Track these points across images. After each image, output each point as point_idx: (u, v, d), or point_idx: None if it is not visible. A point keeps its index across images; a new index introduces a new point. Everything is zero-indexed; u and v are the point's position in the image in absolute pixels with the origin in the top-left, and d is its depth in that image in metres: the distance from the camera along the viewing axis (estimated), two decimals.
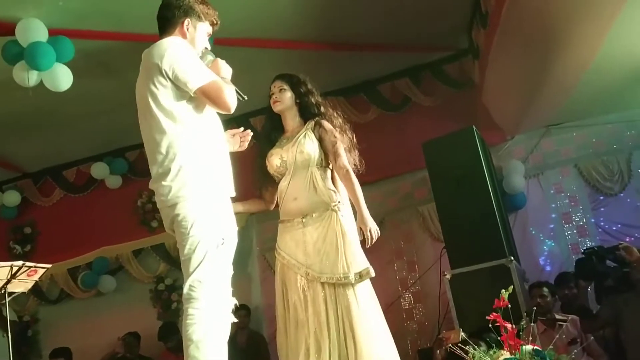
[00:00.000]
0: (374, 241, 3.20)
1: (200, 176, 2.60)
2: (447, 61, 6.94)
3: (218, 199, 2.64)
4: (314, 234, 3.26)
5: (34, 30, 4.71)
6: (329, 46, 6.15)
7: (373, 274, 3.19)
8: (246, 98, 2.94)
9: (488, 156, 5.68)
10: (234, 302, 2.71)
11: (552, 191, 6.57)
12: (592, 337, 4.50)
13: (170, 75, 2.61)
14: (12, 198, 7.84)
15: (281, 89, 3.49)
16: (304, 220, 3.30)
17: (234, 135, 3.21)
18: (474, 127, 5.34)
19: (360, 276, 3.14)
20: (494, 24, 5.08)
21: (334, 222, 3.25)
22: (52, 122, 6.63)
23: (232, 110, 2.63)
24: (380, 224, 6.68)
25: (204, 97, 2.63)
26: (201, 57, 2.84)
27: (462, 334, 2.57)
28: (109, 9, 4.89)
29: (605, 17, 4.44)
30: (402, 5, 5.64)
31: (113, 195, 7.69)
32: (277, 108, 3.50)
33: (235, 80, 6.16)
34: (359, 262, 3.19)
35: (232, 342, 6.61)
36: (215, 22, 2.92)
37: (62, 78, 4.93)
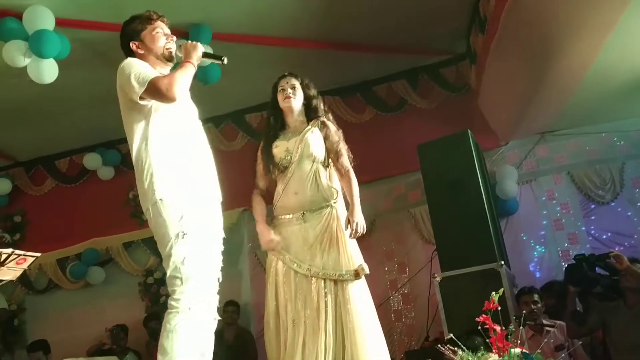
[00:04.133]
0: (357, 235, 3.25)
1: (156, 181, 2.72)
2: (444, 65, 6.97)
3: (177, 200, 2.72)
4: (316, 229, 3.28)
5: (41, 17, 4.72)
6: (326, 45, 6.16)
7: (368, 271, 3.23)
8: (225, 61, 2.99)
9: (482, 160, 5.69)
10: (216, 300, 2.84)
11: (544, 198, 6.59)
12: (580, 342, 4.52)
13: (124, 93, 2.80)
14: (3, 186, 7.80)
15: (294, 87, 3.54)
16: (303, 215, 3.31)
17: None
18: (468, 131, 5.35)
19: (358, 273, 3.18)
20: (492, 30, 5.10)
21: (333, 219, 3.29)
22: (46, 111, 6.61)
23: (176, 98, 2.72)
24: (371, 224, 6.83)
25: (152, 98, 2.75)
26: (177, 50, 2.95)
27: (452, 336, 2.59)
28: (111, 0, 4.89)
29: (602, 28, 4.46)
30: (401, 8, 5.65)
31: (105, 186, 7.67)
32: (288, 104, 3.52)
33: (231, 75, 6.16)
34: (357, 259, 3.25)
35: (220, 338, 6.60)
36: (152, 17, 3.01)
37: (48, 71, 4.90)
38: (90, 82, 6.00)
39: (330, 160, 3.49)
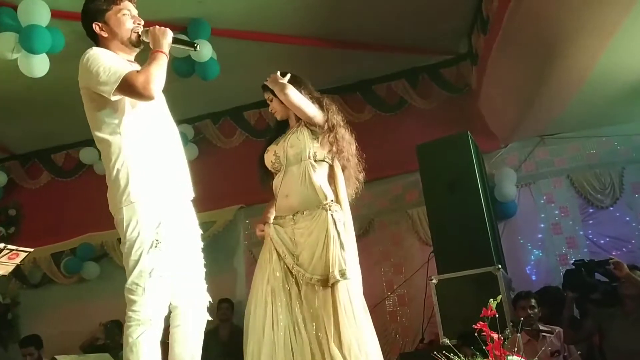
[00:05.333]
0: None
1: (130, 184, 2.58)
2: (445, 65, 6.93)
3: (154, 202, 2.59)
4: (303, 231, 3.21)
5: (36, 11, 4.65)
6: (327, 43, 6.12)
7: (348, 277, 3.08)
8: (198, 48, 2.83)
9: (481, 162, 5.66)
10: (206, 298, 2.77)
11: (542, 201, 6.56)
12: (578, 352, 4.49)
13: (88, 89, 2.63)
14: None
15: (270, 99, 3.48)
16: (294, 217, 3.26)
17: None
18: (468, 133, 5.32)
19: (335, 278, 3.06)
20: (494, 31, 5.06)
21: (322, 222, 3.18)
22: (43, 104, 6.56)
23: (154, 96, 2.54)
24: (369, 224, 6.79)
25: (125, 96, 2.57)
26: (144, 35, 2.73)
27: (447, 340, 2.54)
28: None
29: (606, 30, 4.44)
30: (402, 6, 5.61)
31: (101, 181, 7.48)
32: (278, 117, 3.50)
33: (230, 71, 6.11)
34: (338, 264, 3.10)
35: (215, 336, 6.59)
36: None
37: (39, 65, 4.84)
38: None
39: (324, 154, 3.37)
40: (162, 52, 2.61)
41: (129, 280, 2.53)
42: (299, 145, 3.30)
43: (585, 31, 4.47)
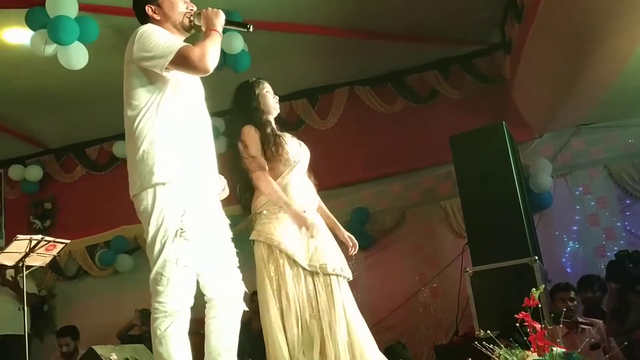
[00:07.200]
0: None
1: (159, 165, 2.52)
2: (477, 55, 6.83)
3: (179, 189, 2.53)
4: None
5: (63, 3, 4.67)
6: (358, 34, 6.08)
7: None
8: (252, 29, 2.79)
9: (516, 153, 5.58)
10: (241, 288, 2.75)
11: (577, 192, 6.44)
12: (625, 343, 4.39)
13: (140, 64, 2.58)
14: (34, 173, 7.90)
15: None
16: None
17: None
18: (503, 123, 5.23)
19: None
20: (529, 19, 4.96)
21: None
22: (77, 98, 6.64)
23: (210, 69, 2.52)
24: (401, 217, 6.74)
25: (180, 70, 2.56)
26: (195, 19, 2.72)
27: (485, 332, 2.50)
28: None
29: None
30: None
31: None
32: (277, 112, 3.52)
33: (260, 63, 6.11)
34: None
35: (247, 328, 6.55)
36: None
37: (77, 57, 4.85)
38: (121, 70, 5.99)
39: None
40: (215, 30, 2.61)
41: (154, 271, 2.50)
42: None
43: (623, 17, 4.37)
